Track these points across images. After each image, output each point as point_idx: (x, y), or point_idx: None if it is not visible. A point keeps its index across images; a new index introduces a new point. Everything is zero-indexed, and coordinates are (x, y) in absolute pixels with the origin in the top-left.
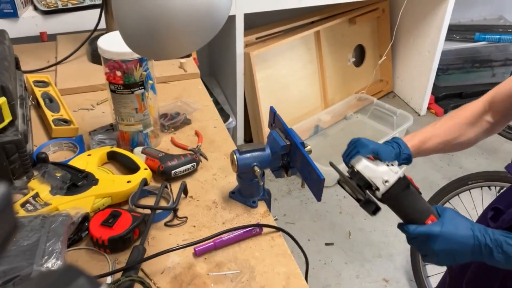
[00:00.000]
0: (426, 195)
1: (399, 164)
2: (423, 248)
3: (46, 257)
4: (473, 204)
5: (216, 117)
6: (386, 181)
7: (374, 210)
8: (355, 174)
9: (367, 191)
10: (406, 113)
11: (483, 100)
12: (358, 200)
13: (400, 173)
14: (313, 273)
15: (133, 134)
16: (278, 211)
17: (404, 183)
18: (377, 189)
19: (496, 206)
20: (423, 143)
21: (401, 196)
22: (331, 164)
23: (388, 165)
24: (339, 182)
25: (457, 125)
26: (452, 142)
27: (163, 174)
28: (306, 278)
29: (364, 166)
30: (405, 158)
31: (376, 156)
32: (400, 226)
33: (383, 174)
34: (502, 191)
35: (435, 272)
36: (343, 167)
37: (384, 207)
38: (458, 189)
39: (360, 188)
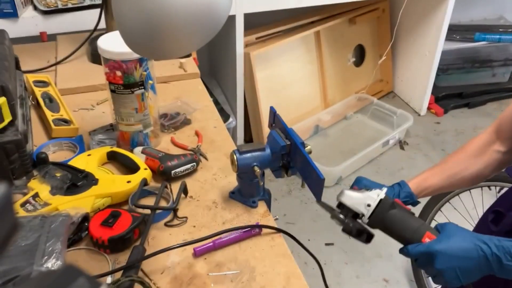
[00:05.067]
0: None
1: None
2: (428, 269)
3: (46, 257)
4: (473, 204)
5: (216, 117)
6: (368, 205)
7: (367, 238)
8: (342, 207)
9: (357, 220)
10: (406, 113)
11: (488, 131)
12: (350, 233)
13: (382, 195)
14: (313, 273)
15: (133, 134)
16: (278, 211)
17: (387, 204)
18: (363, 215)
19: (497, 209)
20: (424, 180)
21: (388, 217)
22: (321, 203)
23: (370, 191)
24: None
25: (461, 159)
26: (457, 176)
27: (163, 174)
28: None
29: (345, 196)
30: (405, 196)
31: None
32: (401, 250)
33: (364, 199)
34: (502, 192)
35: None
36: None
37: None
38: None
39: (352, 218)
